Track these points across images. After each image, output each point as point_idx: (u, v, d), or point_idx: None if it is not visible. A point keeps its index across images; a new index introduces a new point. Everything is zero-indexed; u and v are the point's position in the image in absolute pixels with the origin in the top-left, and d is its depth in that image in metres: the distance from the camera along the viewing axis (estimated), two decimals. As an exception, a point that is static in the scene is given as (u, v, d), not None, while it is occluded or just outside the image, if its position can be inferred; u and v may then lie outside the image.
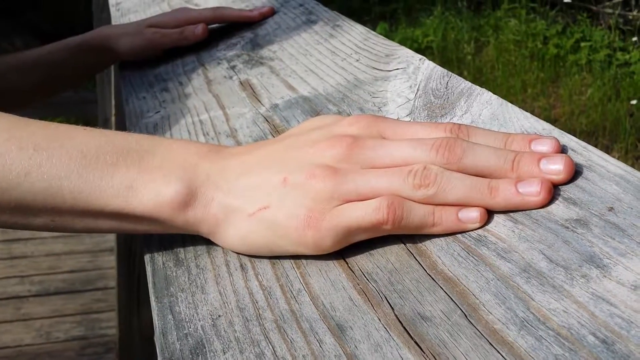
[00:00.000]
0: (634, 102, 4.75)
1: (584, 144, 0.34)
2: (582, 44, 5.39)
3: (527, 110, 0.40)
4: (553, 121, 4.84)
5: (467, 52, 5.41)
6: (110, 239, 2.61)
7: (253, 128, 0.50)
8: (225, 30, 0.75)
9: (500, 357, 0.24)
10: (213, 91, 0.60)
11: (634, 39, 5.46)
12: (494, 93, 0.42)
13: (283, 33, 0.67)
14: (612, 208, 0.29)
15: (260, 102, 0.54)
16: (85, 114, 3.91)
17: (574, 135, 0.36)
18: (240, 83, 0.59)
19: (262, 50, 0.65)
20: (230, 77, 0.61)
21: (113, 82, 1.49)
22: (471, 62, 5.42)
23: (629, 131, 4.54)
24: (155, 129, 0.56)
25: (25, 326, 2.07)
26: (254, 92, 0.56)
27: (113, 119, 1.55)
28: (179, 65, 0.70)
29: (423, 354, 0.26)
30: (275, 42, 0.65)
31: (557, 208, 0.30)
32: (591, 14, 5.39)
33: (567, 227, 0.29)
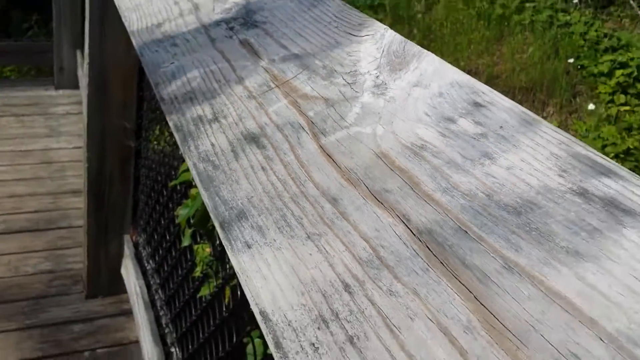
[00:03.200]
0: (571, 60, 5.04)
1: (490, 89, 0.53)
2: (527, 5, 5.62)
3: (470, 67, 0.58)
4: (495, 77, 5.09)
5: (417, 10, 5.57)
6: (72, 182, 2.72)
7: (256, 77, 0.66)
8: (218, -6, 0.90)
9: (431, 208, 0.43)
10: (217, 48, 0.76)
11: (575, 0, 5.71)
12: (442, 50, 0.60)
13: (271, 1, 0.82)
14: (502, 126, 0.48)
15: (259, 57, 0.70)
16: (41, 63, 3.92)
17: (514, 90, 0.54)
18: (240, 42, 0.75)
19: (255, 15, 0.81)
20: (230, 37, 0.77)
21: (87, 32, 1.60)
22: (421, 20, 5.59)
23: (565, 87, 4.84)
24: (173, 76, 0.72)
25: (-6, 261, 2.19)
26: (253, 49, 0.73)
27: (86, 66, 1.66)
28: (182, 25, 0.85)
29: (385, 208, 0.44)
30: (266, 9, 0.81)
31: (470, 126, 0.49)
32: (535, -24, 5.60)
33: (474, 138, 0.48)
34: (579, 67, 4.98)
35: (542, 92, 4.79)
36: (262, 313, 0.38)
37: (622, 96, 4.70)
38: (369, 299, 0.37)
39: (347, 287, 0.39)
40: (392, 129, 0.52)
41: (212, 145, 0.56)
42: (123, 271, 1.85)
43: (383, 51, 0.63)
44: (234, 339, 0.98)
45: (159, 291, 1.45)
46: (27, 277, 2.13)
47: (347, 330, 0.36)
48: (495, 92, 0.52)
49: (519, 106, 0.50)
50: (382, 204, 0.45)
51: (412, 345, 0.34)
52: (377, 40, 0.65)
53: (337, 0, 0.76)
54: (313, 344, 0.36)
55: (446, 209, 0.42)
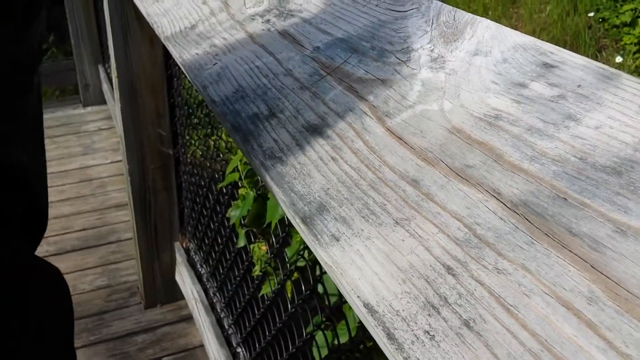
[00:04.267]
0: (591, 14, 4.92)
1: (558, 48, 0.50)
2: (538, -38, 5.49)
3: (507, 31, 0.55)
4: (517, 41, 4.99)
5: (428, -18, 5.49)
6: (114, 196, 2.75)
7: (304, 67, 0.65)
8: (247, -11, 0.89)
9: (521, 178, 0.41)
10: (258, 42, 0.74)
11: (588, -48, 5.57)
12: (486, 19, 0.57)
13: (303, -12, 0.81)
14: (579, 85, 0.46)
15: (303, 46, 0.69)
16: (64, 83, 3.95)
17: (548, 44, 0.52)
18: (279, 33, 0.74)
19: (288, 4, 0.79)
20: (269, 30, 0.76)
21: (111, 46, 1.60)
22: (433, -9, 5.49)
23: (589, 43, 4.73)
24: (219, 77, 0.71)
25: (53, 284, 2.22)
26: (295, 39, 0.71)
27: (115, 79, 1.66)
28: (216, 25, 0.84)
29: (472, 184, 0.42)
30: (299, -4, 0.79)
31: (544, 89, 0.47)
32: None
33: (552, 100, 0.45)
34: (600, 20, 4.86)
35: (567, 49, 4.69)
36: (366, 305, 0.37)
37: (649, 44, 4.57)
38: (476, 280, 0.36)
39: (449, 269, 0.37)
40: (459, 102, 0.50)
41: (275, 141, 0.55)
42: (178, 278, 1.86)
43: (432, 23, 0.61)
44: (303, 334, 0.98)
45: (217, 294, 1.46)
46: (85, 295, 2.16)
47: (460, 315, 0.34)
48: (564, 50, 0.50)
49: (594, 62, 0.48)
50: (467, 180, 0.43)
51: (534, 323, 0.32)
52: (424, 12, 0.63)
53: (376, -23, 0.74)
54: (427, 332, 0.34)
55: (538, 177, 0.40)
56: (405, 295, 0.37)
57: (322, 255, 0.43)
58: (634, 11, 4.75)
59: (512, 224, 0.38)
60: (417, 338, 0.34)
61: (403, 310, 0.36)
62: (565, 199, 0.38)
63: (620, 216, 0.35)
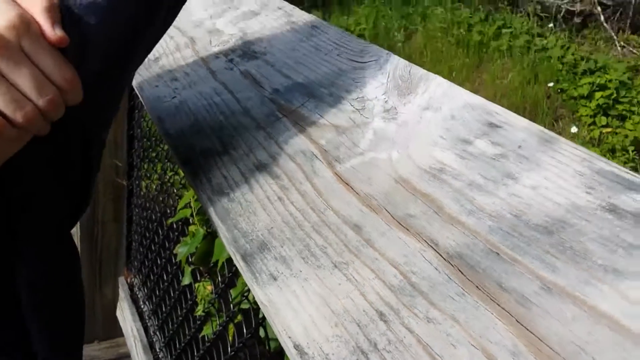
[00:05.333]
0: (551, 84, 5.11)
1: (503, 109, 0.52)
2: (504, 31, 5.71)
3: (462, 90, 0.57)
4: (478, 104, 5.13)
5: (397, 39, 5.65)
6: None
7: (262, 107, 0.66)
8: (213, 30, 0.90)
9: (458, 231, 0.42)
10: (219, 79, 0.75)
11: (551, 25, 5.83)
12: (440, 77, 0.59)
13: (269, 32, 0.82)
14: (520, 146, 0.47)
15: (263, 87, 0.70)
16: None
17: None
18: (241, 73, 0.75)
19: (253, 46, 0.81)
20: (231, 69, 0.77)
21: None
22: (401, 49, 5.66)
23: (547, 111, 4.90)
24: (177, 110, 0.71)
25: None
26: (255, 80, 0.72)
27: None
28: (179, 59, 0.85)
29: (412, 234, 0.43)
30: (264, 40, 0.81)
31: (487, 147, 0.48)
32: (511, 1, 5.71)
33: (494, 158, 0.47)
34: (559, 90, 5.05)
35: (525, 116, 4.83)
36: (296, 347, 0.37)
37: (604, 118, 4.76)
38: (407, 327, 0.36)
39: (382, 315, 0.38)
40: (407, 153, 0.52)
41: (225, 177, 0.55)
42: (119, 314, 1.81)
43: (389, 75, 0.62)
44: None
45: (158, 333, 1.42)
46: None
47: (388, 361, 0.35)
48: (509, 112, 0.52)
49: (535, 124, 0.50)
50: (407, 229, 0.44)
51: (459, 373, 0.33)
52: (381, 65, 0.65)
53: (334, 27, 0.76)
54: (354, 377, 0.34)
55: (474, 231, 0.41)
56: (336, 339, 0.37)
57: (258, 293, 0.43)
58: (591, 85, 4.96)
59: (446, 274, 0.39)
60: (343, 382, 0.34)
61: (333, 353, 0.36)
62: (498, 254, 0.39)
63: (547, 274, 0.37)
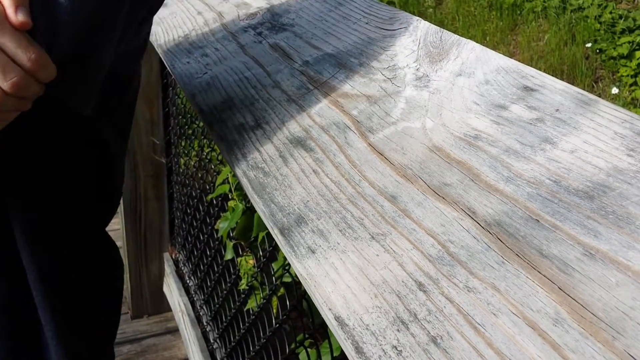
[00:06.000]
0: (588, 45, 4.97)
1: (539, 72, 0.51)
2: (538, -9, 5.55)
3: (496, 54, 0.56)
4: (514, 67, 5.02)
5: (427, 5, 5.54)
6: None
7: (293, 80, 0.65)
8: (241, 3, 0.90)
9: (496, 198, 0.41)
10: (249, 54, 0.75)
11: (587, -18, 5.64)
12: (473, 42, 0.58)
13: (296, 3, 0.82)
14: (558, 109, 0.46)
15: (292, 59, 0.69)
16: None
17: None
18: (270, 46, 0.74)
19: (281, 18, 0.80)
20: (260, 42, 0.76)
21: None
22: (432, 14, 5.56)
23: (585, 73, 4.77)
24: (208, 86, 0.71)
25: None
26: (285, 52, 0.72)
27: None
28: (209, 35, 0.85)
29: (448, 202, 0.43)
30: (292, 11, 0.80)
31: (523, 112, 0.47)
32: (545, -40, 5.53)
33: (530, 123, 0.46)
34: (597, 51, 4.90)
35: (563, 78, 4.72)
36: (337, 318, 0.37)
37: (645, 77, 4.61)
38: (447, 297, 0.36)
39: (421, 285, 0.37)
40: (441, 121, 0.51)
41: (259, 152, 0.56)
42: (165, 289, 1.85)
43: (419, 43, 0.61)
44: (286, 350, 0.97)
45: (204, 307, 1.45)
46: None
47: (428, 331, 0.35)
48: (545, 74, 0.51)
49: (572, 87, 0.49)
50: (443, 198, 0.43)
51: (500, 342, 0.33)
52: (411, 32, 0.64)
53: (366, -4, 0.75)
54: (395, 347, 0.34)
55: (512, 198, 0.41)
56: (376, 310, 0.37)
57: (297, 266, 0.43)
58: (631, 44, 4.80)
59: (484, 243, 0.39)
60: (385, 353, 0.34)
61: (373, 324, 0.36)
62: (538, 221, 0.38)
63: (590, 240, 0.36)
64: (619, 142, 0.42)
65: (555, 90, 0.48)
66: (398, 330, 0.35)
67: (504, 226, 0.39)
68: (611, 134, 0.43)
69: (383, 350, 0.34)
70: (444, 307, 0.36)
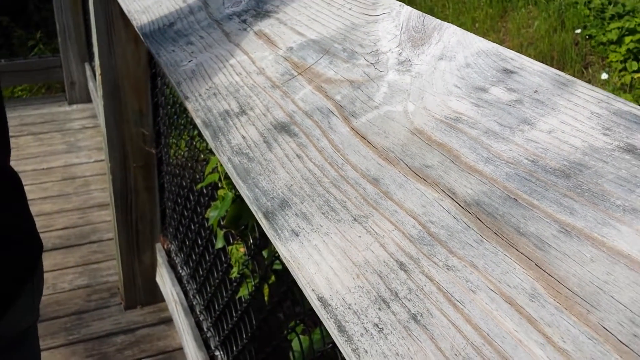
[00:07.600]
0: (578, 31, 4.97)
1: (518, 54, 0.51)
2: (527, -23, 5.55)
3: (480, 38, 0.56)
4: (504, 53, 5.03)
5: (418, -8, 5.54)
6: (97, 196, 2.73)
7: (277, 66, 0.66)
8: (227, -9, 0.89)
9: (475, 179, 0.42)
10: (233, 41, 0.75)
11: (576, -33, 5.64)
12: (456, 26, 0.58)
13: (281, -10, 0.82)
14: (536, 91, 0.47)
15: (276, 46, 0.70)
16: (50, 79, 3.94)
17: (515, 51, 0.53)
18: (255, 33, 0.75)
19: (265, 5, 0.80)
20: (245, 29, 0.77)
21: (96, 44, 1.60)
22: (422, 2, 5.55)
23: (575, 59, 4.78)
24: (193, 74, 0.71)
25: (31, 282, 2.20)
26: (269, 39, 0.72)
27: (99, 77, 1.66)
28: (194, 23, 0.85)
29: (429, 184, 0.43)
30: (277, -1, 0.80)
31: (503, 94, 0.48)
32: (534, -54, 5.52)
33: (509, 105, 0.47)
34: (587, 37, 4.91)
35: (553, 65, 4.73)
36: (320, 299, 0.38)
37: (635, 63, 4.63)
38: (427, 276, 0.37)
39: (402, 265, 0.38)
40: (423, 104, 0.51)
41: (244, 138, 0.56)
42: (158, 279, 1.86)
43: (402, 27, 0.62)
44: (279, 337, 0.98)
45: (197, 296, 1.45)
46: (65, 294, 2.15)
47: (409, 309, 0.35)
48: (524, 56, 0.51)
49: (551, 68, 0.49)
50: (424, 179, 0.44)
51: (478, 318, 0.33)
52: (394, 17, 0.64)
53: (351, -18, 0.75)
54: (377, 325, 0.35)
55: (491, 178, 0.41)
56: (358, 290, 0.38)
57: (281, 249, 0.43)
58: (620, 29, 4.81)
59: (464, 222, 0.39)
60: (367, 330, 0.35)
61: (355, 304, 0.37)
62: (516, 200, 0.39)
63: (565, 217, 0.37)
64: (595, 122, 0.42)
65: (534, 72, 0.49)
66: (379, 309, 0.36)
67: (483, 206, 0.40)
68: (588, 114, 0.43)
69: (365, 328, 0.35)
70: (424, 285, 0.36)
